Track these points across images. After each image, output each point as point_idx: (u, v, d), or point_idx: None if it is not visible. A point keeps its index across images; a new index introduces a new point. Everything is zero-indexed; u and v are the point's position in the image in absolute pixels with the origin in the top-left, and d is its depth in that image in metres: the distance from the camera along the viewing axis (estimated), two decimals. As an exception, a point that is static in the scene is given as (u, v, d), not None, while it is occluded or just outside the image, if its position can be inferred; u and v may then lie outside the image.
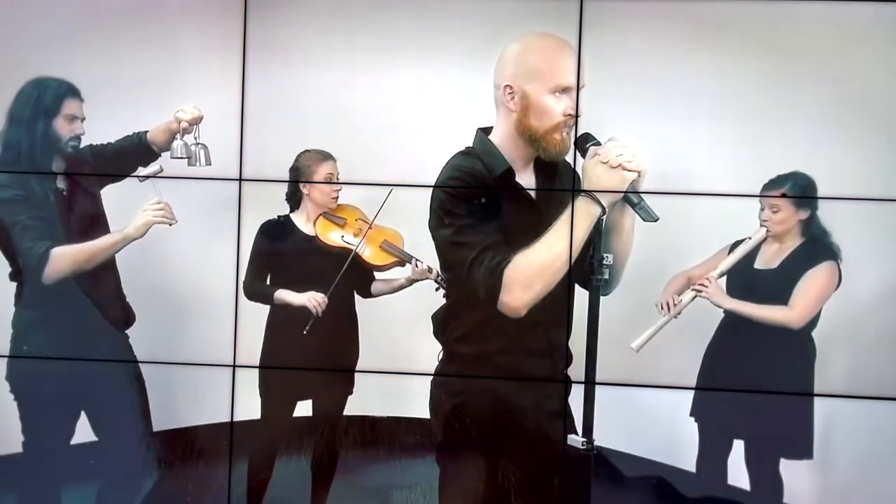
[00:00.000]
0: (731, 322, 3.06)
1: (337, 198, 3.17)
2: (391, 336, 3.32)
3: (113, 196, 2.78)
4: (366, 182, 3.04)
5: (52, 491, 2.85)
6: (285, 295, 3.06)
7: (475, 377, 2.12)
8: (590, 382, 1.96)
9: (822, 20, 2.86)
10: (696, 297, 2.93)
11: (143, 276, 3.00)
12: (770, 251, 3.03)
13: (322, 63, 3.16)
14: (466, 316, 2.15)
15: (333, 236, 3.13)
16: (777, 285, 2.94)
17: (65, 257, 2.61)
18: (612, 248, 2.05)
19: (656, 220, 1.97)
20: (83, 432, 2.85)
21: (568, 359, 2.24)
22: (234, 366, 2.99)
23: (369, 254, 3.17)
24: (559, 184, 2.17)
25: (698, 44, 2.95)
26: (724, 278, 2.99)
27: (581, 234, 1.98)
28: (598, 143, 2.03)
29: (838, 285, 2.92)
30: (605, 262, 2.01)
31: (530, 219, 2.11)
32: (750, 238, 2.96)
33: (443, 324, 2.20)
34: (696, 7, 2.84)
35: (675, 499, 3.44)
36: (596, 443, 2.02)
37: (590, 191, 1.98)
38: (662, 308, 2.95)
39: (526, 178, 2.15)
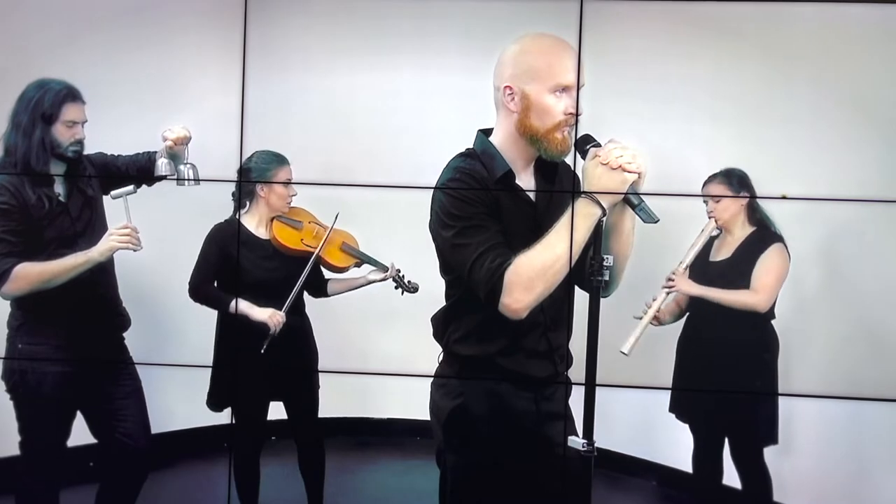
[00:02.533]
0: (697, 317, 3.14)
1: (291, 202, 3.16)
2: (393, 337, 3.33)
3: (117, 201, 2.76)
4: (366, 184, 3.04)
5: (49, 492, 2.84)
6: (246, 307, 3.04)
7: (475, 378, 2.12)
8: (590, 384, 1.96)
9: (820, 22, 2.87)
10: (668, 292, 3.03)
11: (141, 278, 2.99)
12: (723, 243, 3.15)
13: (322, 65, 3.16)
14: (466, 317, 2.14)
15: (292, 240, 3.12)
16: (732, 273, 3.07)
17: (25, 277, 2.60)
18: (613, 250, 2.05)
19: (657, 222, 1.97)
20: (83, 435, 2.84)
21: (568, 360, 2.24)
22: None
23: (331, 256, 3.17)
24: (559, 185, 2.17)
25: (698, 45, 2.96)
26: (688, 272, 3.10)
27: (581, 236, 1.98)
28: (598, 145, 2.03)
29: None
30: (605, 263, 2.01)
31: (531, 220, 2.11)
32: (703, 231, 3.06)
33: (443, 325, 2.19)
34: (696, 9, 2.84)
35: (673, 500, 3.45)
36: (596, 444, 2.02)
37: (590, 192, 1.98)
38: (643, 312, 3.05)
39: (526, 180, 2.15)
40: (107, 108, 2.83)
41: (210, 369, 3.12)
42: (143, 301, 3.02)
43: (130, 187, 2.72)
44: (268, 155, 3.10)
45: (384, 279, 3.28)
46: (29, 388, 2.72)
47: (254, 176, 3.07)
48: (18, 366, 2.71)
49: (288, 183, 3.14)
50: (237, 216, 3.15)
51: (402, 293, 3.29)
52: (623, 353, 2.80)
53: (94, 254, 2.64)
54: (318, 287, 3.28)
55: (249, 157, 3.10)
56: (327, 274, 3.30)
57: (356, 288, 3.31)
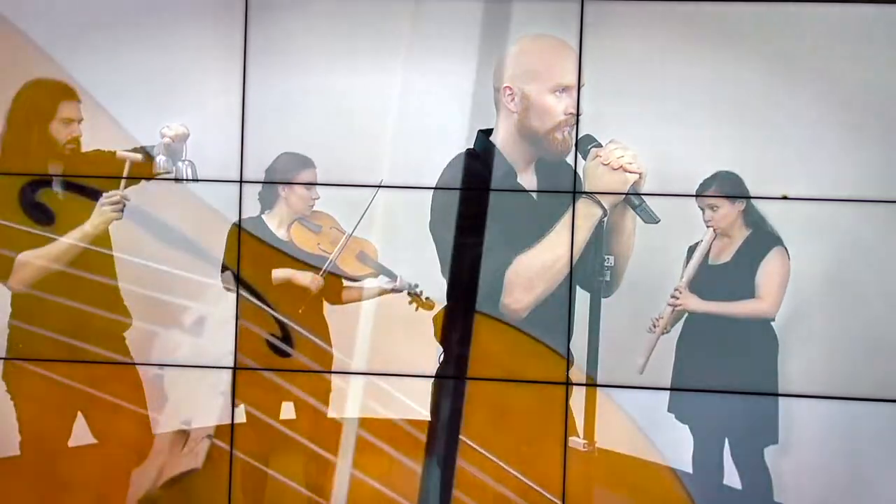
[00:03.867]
0: (696, 317, 3.13)
1: (313, 205, 3.15)
2: (391, 337, 3.32)
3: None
4: (366, 184, 3.04)
5: (49, 492, 2.84)
6: (289, 273, 3.04)
7: (475, 379, 2.12)
8: (591, 384, 1.96)
9: (821, 22, 2.87)
10: (673, 310, 3.03)
11: (142, 277, 2.99)
12: (721, 246, 3.13)
13: (322, 65, 3.15)
14: (467, 317, 2.14)
15: (309, 243, 3.11)
16: (734, 276, 3.05)
17: (27, 265, 2.61)
18: (614, 250, 2.05)
19: (657, 222, 1.98)
20: (83, 435, 2.84)
21: (569, 361, 2.24)
22: (235, 368, 2.99)
23: (344, 264, 3.15)
24: (560, 185, 2.17)
25: (699, 45, 2.96)
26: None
27: (582, 236, 1.98)
28: (599, 145, 2.04)
29: None
30: (606, 263, 2.01)
31: (532, 220, 2.11)
32: (702, 241, 3.05)
33: (444, 325, 2.19)
34: (696, 9, 2.84)
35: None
36: (597, 444, 2.02)
37: (591, 192, 1.98)
38: (651, 329, 3.05)
39: (527, 180, 2.15)
40: (107, 109, 2.83)
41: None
42: (143, 300, 3.01)
43: (139, 156, 2.71)
44: (291, 157, 3.11)
45: (395, 290, 3.23)
46: (30, 389, 2.72)
47: (277, 177, 3.08)
48: (20, 366, 2.71)
49: (286, 183, 3.14)
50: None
51: (417, 309, 3.23)
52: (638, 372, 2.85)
53: (88, 227, 2.64)
54: (334, 295, 3.26)
55: (277, 159, 3.11)
56: (348, 282, 3.29)
57: (371, 298, 3.27)
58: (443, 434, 2.23)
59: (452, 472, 2.25)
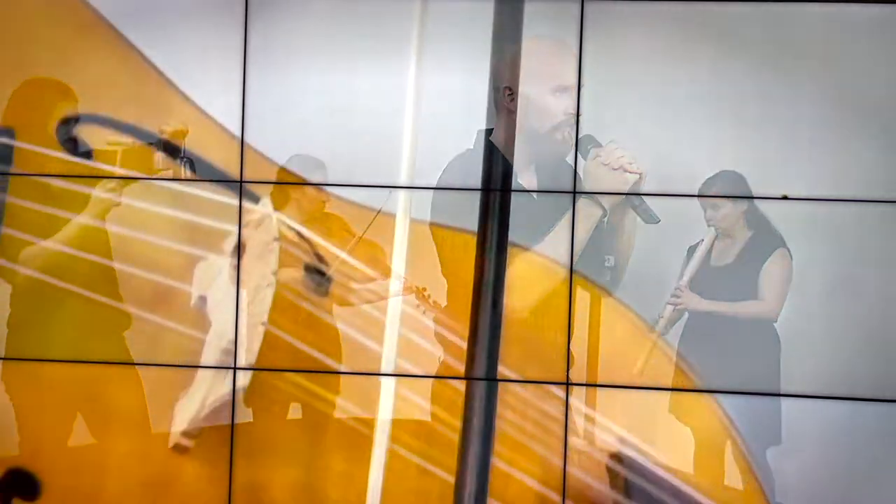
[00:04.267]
0: (697, 317, 3.12)
1: (325, 207, 3.15)
2: (398, 338, 3.32)
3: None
4: (367, 184, 3.04)
5: (49, 492, 2.84)
6: (291, 279, 3.04)
7: (476, 379, 2.12)
8: (591, 385, 1.96)
9: (822, 21, 2.87)
10: (674, 309, 3.02)
11: (142, 276, 3.00)
12: (723, 246, 3.12)
13: (323, 65, 3.16)
14: (468, 318, 2.15)
15: (319, 245, 3.11)
16: (737, 277, 3.03)
17: (32, 259, 2.62)
18: (614, 250, 2.05)
19: (657, 222, 1.98)
20: (83, 435, 2.84)
21: (569, 361, 2.25)
22: (235, 368, 2.99)
23: (354, 265, 3.15)
24: (560, 185, 2.18)
25: (699, 45, 2.96)
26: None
27: (582, 236, 1.99)
28: (599, 145, 2.04)
29: None
30: (606, 263, 2.01)
31: (532, 220, 2.11)
32: (703, 240, 3.04)
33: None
34: (697, 9, 2.84)
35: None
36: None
37: (591, 192, 1.98)
38: (652, 329, 3.04)
39: (527, 179, 2.16)
40: (107, 109, 2.84)
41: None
42: (143, 300, 3.02)
43: (130, 140, 2.72)
44: (303, 158, 3.12)
45: (403, 293, 3.24)
46: (29, 389, 2.72)
47: (289, 177, 3.08)
48: (20, 367, 2.71)
49: (290, 183, 3.14)
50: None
51: (424, 312, 3.24)
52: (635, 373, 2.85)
53: (84, 217, 2.65)
54: (342, 296, 3.27)
55: (288, 161, 3.12)
56: (357, 284, 3.30)
57: (378, 300, 3.28)
58: (476, 436, 2.22)
59: (487, 471, 2.23)
